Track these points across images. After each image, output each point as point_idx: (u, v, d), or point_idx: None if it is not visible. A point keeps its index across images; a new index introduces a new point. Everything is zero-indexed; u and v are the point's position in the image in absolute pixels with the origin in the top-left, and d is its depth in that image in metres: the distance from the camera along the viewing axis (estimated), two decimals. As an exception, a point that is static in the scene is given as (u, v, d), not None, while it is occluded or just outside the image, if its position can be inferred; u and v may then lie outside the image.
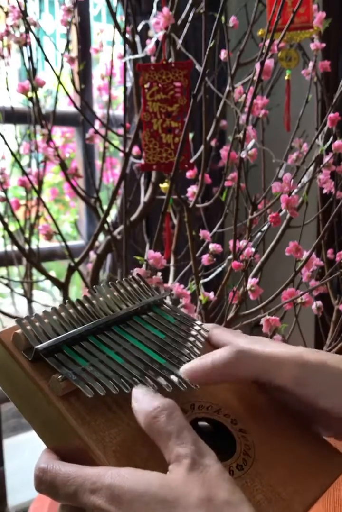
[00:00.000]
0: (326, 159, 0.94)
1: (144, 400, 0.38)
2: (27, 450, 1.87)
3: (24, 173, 1.17)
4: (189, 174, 1.14)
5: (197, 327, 0.50)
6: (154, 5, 1.24)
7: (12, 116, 1.26)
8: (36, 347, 0.40)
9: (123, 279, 0.52)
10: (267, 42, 0.88)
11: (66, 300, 0.47)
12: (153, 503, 0.33)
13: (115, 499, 0.34)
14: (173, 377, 0.42)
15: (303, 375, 0.41)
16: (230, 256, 0.97)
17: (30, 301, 1.33)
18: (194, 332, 0.49)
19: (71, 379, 0.39)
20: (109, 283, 0.50)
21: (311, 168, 0.99)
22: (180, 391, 0.42)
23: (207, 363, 0.42)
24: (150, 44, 1.17)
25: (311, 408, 0.42)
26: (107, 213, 1.22)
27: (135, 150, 1.35)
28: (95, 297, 0.48)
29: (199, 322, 0.51)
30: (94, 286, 0.49)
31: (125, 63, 1.10)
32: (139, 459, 0.38)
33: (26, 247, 1.25)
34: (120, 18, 1.29)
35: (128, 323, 0.47)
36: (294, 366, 0.41)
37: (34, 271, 1.36)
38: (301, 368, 0.41)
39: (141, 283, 0.53)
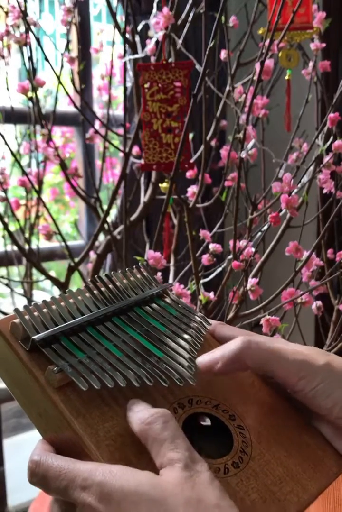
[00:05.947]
0: (326, 159, 0.94)
1: (140, 410, 0.38)
2: (27, 450, 1.86)
3: (24, 173, 1.17)
4: (189, 174, 1.14)
5: (198, 320, 0.49)
6: (154, 5, 1.24)
7: (12, 116, 1.26)
8: (33, 337, 0.40)
9: (126, 269, 0.51)
10: (267, 42, 0.88)
11: (67, 290, 0.46)
12: (142, 503, 0.33)
13: (104, 497, 0.34)
14: (170, 371, 0.42)
15: (306, 370, 0.42)
16: (230, 256, 0.97)
17: (30, 301, 1.33)
18: (195, 325, 0.48)
19: (67, 371, 0.39)
20: (111, 272, 0.49)
21: (311, 168, 0.99)
22: (178, 386, 0.41)
23: (215, 353, 0.43)
24: (150, 44, 1.17)
25: (312, 406, 0.43)
26: (107, 213, 1.22)
27: (135, 150, 1.35)
28: (97, 286, 0.47)
29: (200, 315, 0.50)
30: (95, 276, 0.48)
31: (125, 63, 1.10)
32: (132, 453, 0.38)
33: (26, 247, 1.25)
34: (120, 18, 1.29)
35: (128, 315, 0.47)
36: (299, 359, 0.42)
37: (34, 271, 1.36)
38: (305, 363, 0.42)
39: (145, 273, 0.52)
